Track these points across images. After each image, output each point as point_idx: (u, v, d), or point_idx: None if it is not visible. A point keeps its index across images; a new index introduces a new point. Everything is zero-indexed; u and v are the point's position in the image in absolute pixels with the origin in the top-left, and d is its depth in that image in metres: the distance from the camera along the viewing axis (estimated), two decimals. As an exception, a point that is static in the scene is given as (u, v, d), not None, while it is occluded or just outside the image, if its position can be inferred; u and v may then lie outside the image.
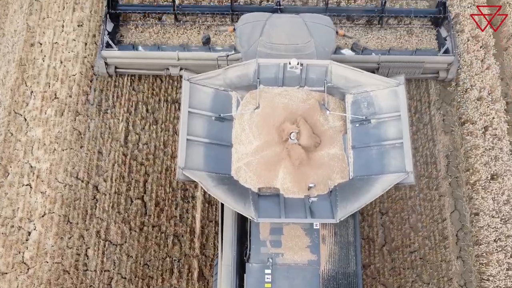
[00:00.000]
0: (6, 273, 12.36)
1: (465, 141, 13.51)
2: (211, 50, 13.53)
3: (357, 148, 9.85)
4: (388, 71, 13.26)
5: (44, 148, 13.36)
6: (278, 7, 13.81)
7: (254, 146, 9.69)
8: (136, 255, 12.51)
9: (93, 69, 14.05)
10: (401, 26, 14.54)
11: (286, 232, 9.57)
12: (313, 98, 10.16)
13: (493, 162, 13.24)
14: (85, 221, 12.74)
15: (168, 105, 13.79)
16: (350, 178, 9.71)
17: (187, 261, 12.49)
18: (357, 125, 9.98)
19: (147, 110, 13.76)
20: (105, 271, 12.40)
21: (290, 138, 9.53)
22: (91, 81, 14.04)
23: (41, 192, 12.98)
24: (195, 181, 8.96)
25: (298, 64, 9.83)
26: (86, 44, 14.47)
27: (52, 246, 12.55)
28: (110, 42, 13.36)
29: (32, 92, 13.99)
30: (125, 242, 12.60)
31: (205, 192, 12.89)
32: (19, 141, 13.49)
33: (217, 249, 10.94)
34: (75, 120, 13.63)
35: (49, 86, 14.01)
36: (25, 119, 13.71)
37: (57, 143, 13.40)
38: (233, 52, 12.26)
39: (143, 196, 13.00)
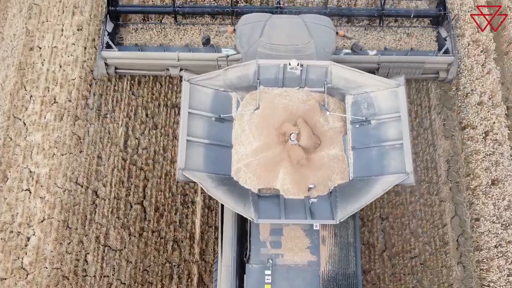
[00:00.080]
0: (5, 279, 12.30)
1: (466, 146, 13.48)
2: (215, 51, 13.52)
3: (357, 149, 9.84)
4: (388, 72, 13.28)
5: (43, 153, 13.33)
6: (278, 5, 13.89)
7: (254, 147, 9.68)
8: (135, 260, 12.44)
9: (92, 74, 14.05)
10: (401, 27, 14.56)
11: (286, 233, 9.56)
12: (313, 99, 10.16)
13: (493, 167, 13.20)
14: (85, 226, 12.69)
15: (167, 109, 13.77)
16: (350, 179, 9.70)
17: (187, 266, 12.42)
18: (357, 126, 9.98)
19: (146, 115, 13.74)
20: (104, 276, 12.32)
21: (290, 139, 9.52)
22: (90, 86, 14.04)
23: (40, 197, 12.93)
24: (195, 182, 8.94)
25: (298, 65, 9.84)
26: (85, 48, 14.47)
27: (51, 251, 12.48)
28: (110, 42, 13.37)
29: (31, 96, 13.98)
30: (125, 247, 12.53)
31: (205, 198, 12.88)
32: (18, 145, 13.46)
33: (217, 255, 10.88)
34: (74, 124, 13.61)
35: (49, 91, 14.00)
36: (24, 124, 13.69)
37: (57, 147, 13.37)
38: (234, 52, 12.29)
39: (142, 201, 12.95)
